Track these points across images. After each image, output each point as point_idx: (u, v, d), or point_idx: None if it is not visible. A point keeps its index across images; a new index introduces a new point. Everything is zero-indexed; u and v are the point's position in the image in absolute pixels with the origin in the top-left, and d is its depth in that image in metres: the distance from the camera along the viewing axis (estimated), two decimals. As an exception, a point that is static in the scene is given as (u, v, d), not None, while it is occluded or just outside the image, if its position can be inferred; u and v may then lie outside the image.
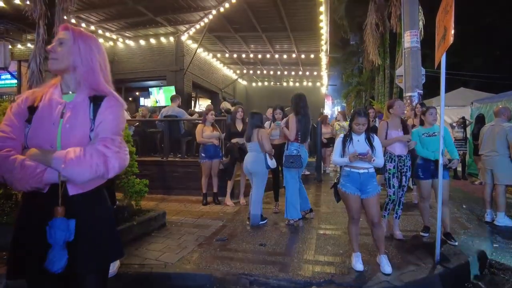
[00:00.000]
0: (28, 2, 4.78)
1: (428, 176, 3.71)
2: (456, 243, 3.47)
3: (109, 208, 1.54)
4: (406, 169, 3.72)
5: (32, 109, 1.39)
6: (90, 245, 1.38)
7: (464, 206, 5.43)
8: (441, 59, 3.08)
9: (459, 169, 8.67)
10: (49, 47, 1.43)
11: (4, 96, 11.75)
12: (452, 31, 2.81)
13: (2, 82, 12.05)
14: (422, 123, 3.90)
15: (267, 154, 4.41)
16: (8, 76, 11.00)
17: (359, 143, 2.98)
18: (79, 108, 1.39)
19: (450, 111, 9.85)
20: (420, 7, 8.58)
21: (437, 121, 3.78)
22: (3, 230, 3.45)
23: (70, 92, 1.44)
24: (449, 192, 4.08)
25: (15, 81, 10.68)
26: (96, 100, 1.42)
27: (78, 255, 1.33)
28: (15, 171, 1.25)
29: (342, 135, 3.14)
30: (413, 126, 4.44)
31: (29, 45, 10.34)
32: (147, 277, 2.90)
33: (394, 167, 3.71)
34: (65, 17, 4.47)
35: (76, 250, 1.32)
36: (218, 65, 13.69)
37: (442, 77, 3.08)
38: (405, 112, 4.37)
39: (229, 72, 15.01)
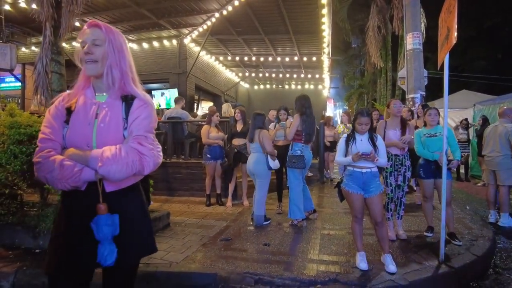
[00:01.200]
0: (34, 6, 4.84)
1: (429, 175, 3.72)
2: (460, 243, 3.47)
3: (144, 204, 1.56)
4: (405, 169, 3.72)
5: (69, 111, 1.43)
6: (125, 241, 1.40)
7: (467, 207, 5.43)
8: (445, 59, 3.07)
9: (462, 171, 8.66)
10: (85, 48, 1.41)
11: (8, 99, 11.85)
12: (455, 32, 2.81)
13: (6, 85, 12.13)
14: (425, 124, 3.92)
15: (268, 155, 4.42)
16: (12, 79, 11.09)
17: (362, 143, 3.00)
18: (112, 108, 1.43)
19: (453, 113, 9.81)
20: (422, 9, 8.61)
21: (440, 122, 3.79)
22: (9, 230, 3.50)
23: (104, 94, 1.47)
24: (453, 193, 4.08)
25: (19, 84, 10.77)
26: (128, 100, 1.45)
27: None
28: (55, 171, 1.29)
29: (345, 135, 3.16)
30: (416, 127, 4.46)
31: (33, 48, 10.45)
32: (152, 276, 2.91)
33: (391, 166, 3.73)
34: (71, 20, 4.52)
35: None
36: (221, 68, 13.76)
37: (446, 77, 3.06)
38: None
39: (231, 75, 15.09)
